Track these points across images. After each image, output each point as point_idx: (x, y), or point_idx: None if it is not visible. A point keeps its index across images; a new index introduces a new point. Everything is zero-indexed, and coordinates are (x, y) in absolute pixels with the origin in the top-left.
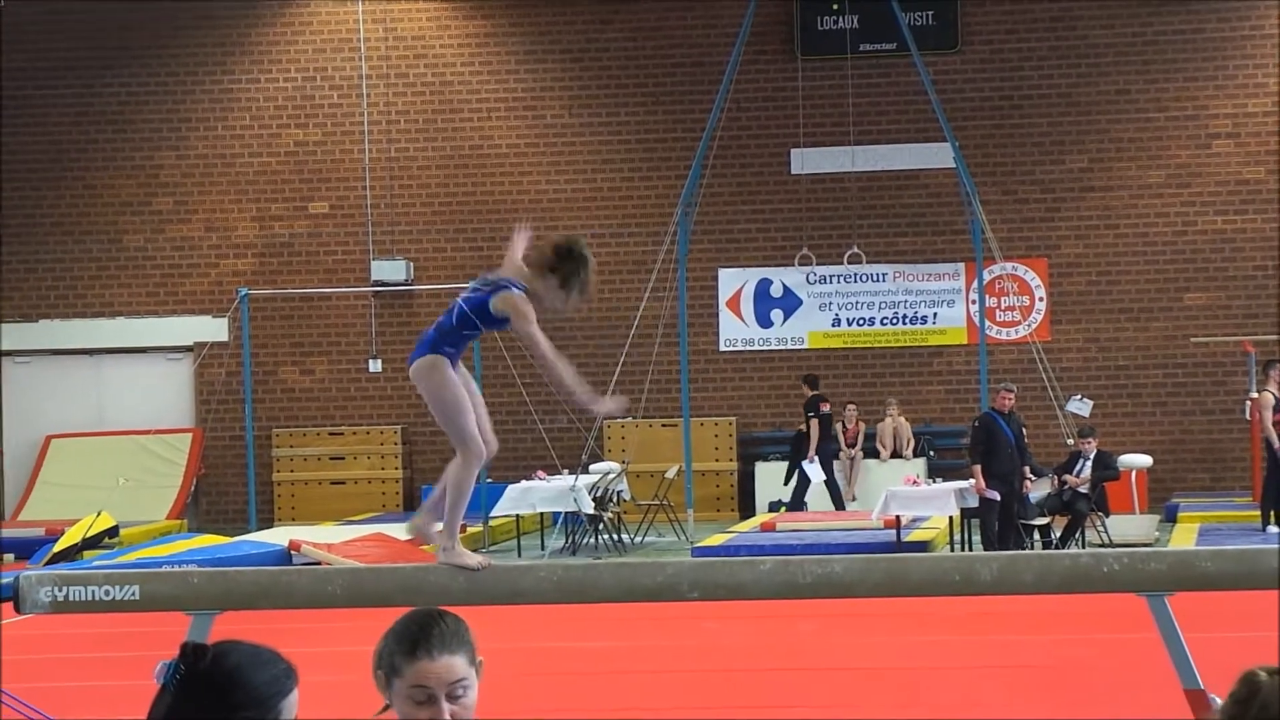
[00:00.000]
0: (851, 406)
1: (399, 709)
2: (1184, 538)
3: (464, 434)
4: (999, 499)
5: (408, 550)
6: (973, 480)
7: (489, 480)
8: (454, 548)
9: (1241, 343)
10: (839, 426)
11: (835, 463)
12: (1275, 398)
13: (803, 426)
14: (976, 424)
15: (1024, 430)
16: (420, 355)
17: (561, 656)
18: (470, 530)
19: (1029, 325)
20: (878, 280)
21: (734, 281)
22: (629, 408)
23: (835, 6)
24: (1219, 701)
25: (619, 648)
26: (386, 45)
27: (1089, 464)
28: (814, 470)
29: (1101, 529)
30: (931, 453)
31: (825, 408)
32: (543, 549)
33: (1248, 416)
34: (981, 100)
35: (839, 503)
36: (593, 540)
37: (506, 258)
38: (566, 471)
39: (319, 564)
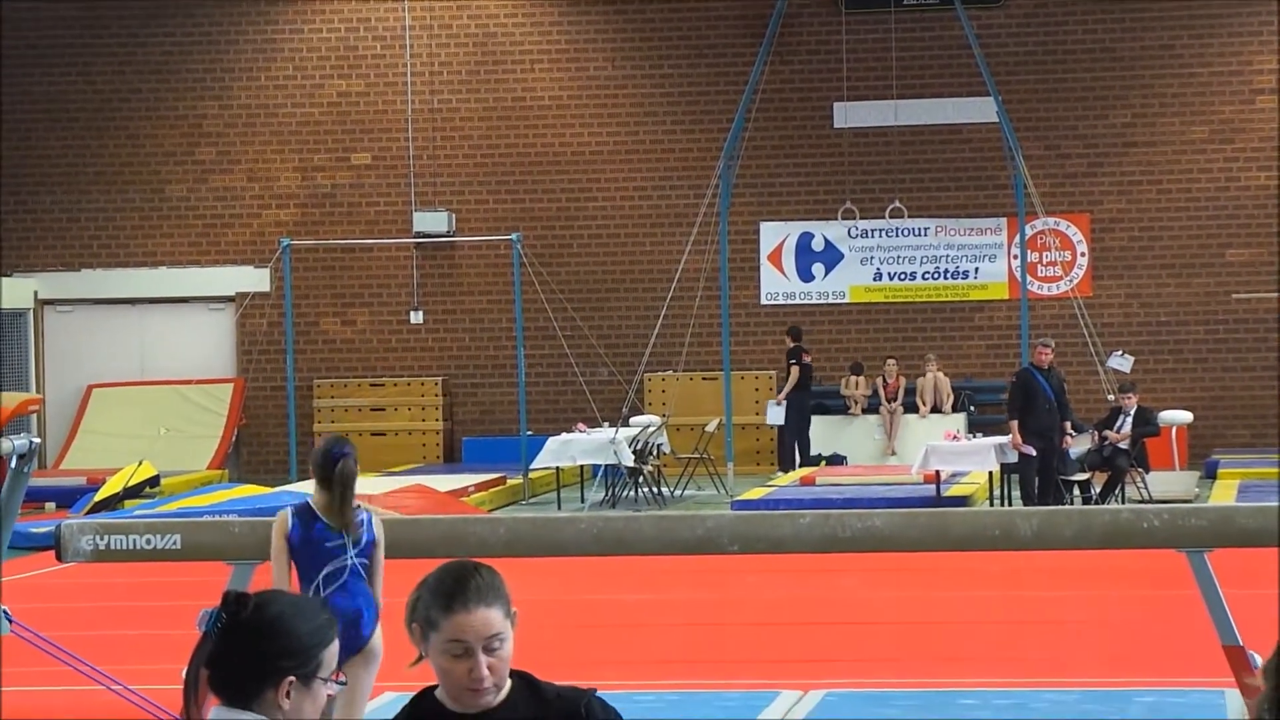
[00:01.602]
0: (892, 361)
1: (435, 662)
2: (1224, 494)
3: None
4: (1035, 454)
5: (448, 502)
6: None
7: (530, 433)
8: None
9: None
10: (879, 381)
11: (872, 417)
12: None
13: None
14: (1015, 379)
15: (1065, 385)
16: (377, 623)
17: (601, 609)
18: (510, 482)
19: (1070, 281)
20: (919, 235)
21: (776, 235)
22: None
23: None
24: (1258, 658)
25: (658, 601)
26: None
27: (1129, 420)
28: (776, 413)
29: (1141, 485)
30: (971, 408)
31: (806, 358)
32: (582, 502)
33: None
34: (1025, 54)
35: (804, 458)
36: (632, 493)
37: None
38: (606, 424)
39: None
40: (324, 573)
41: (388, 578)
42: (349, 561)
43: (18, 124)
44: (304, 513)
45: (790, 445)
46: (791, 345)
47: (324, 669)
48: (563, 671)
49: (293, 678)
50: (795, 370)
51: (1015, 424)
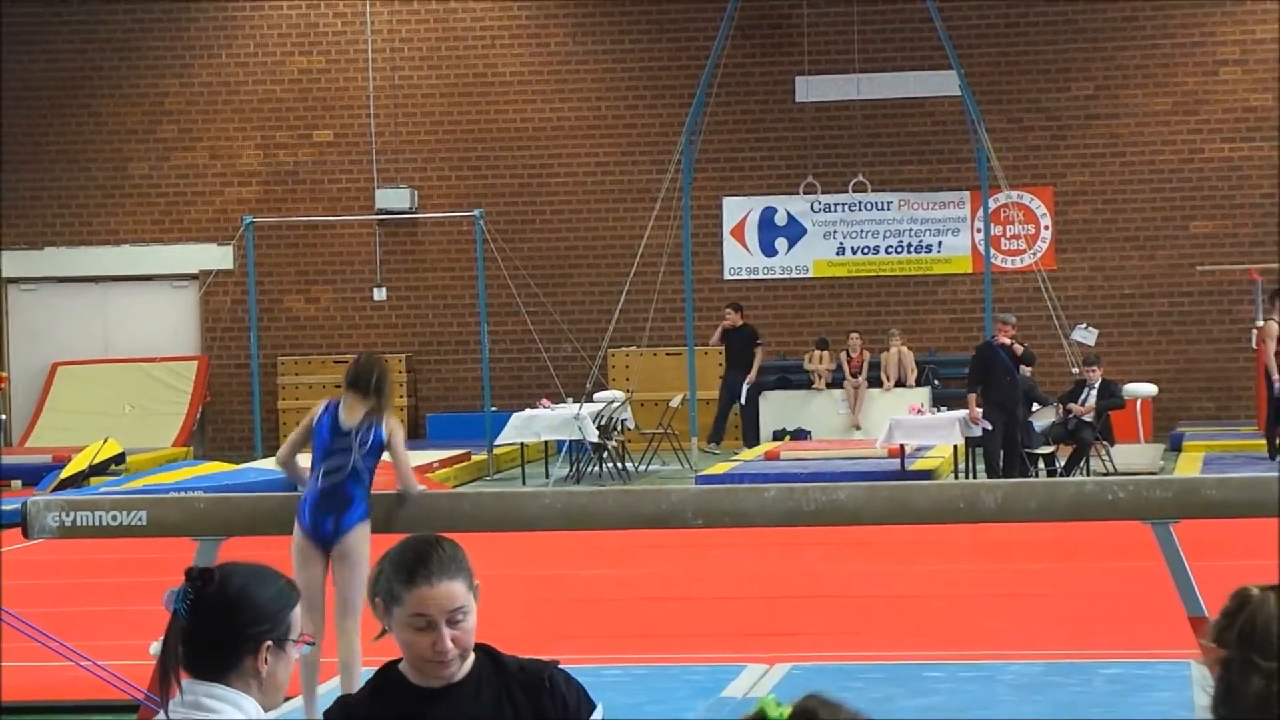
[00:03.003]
0: (856, 335)
1: (399, 636)
2: (1189, 466)
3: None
4: (993, 428)
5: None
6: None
7: (494, 409)
8: None
9: (1248, 271)
10: (843, 356)
11: (837, 391)
12: None
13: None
14: (975, 353)
15: (1025, 347)
16: (363, 517)
17: (566, 584)
18: (475, 458)
19: (1034, 254)
20: (883, 208)
21: (738, 210)
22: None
23: None
24: None
25: (623, 575)
26: None
27: (1094, 393)
28: (745, 394)
29: (1106, 458)
30: (935, 381)
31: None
32: (547, 477)
33: (1253, 345)
34: (987, 27)
35: (755, 438)
36: (597, 468)
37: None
38: (571, 400)
39: None
40: (325, 466)
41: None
42: (351, 460)
43: None
44: (331, 407)
45: (751, 422)
46: (742, 324)
47: (293, 630)
48: (529, 646)
49: (269, 642)
50: (760, 353)
51: (973, 397)
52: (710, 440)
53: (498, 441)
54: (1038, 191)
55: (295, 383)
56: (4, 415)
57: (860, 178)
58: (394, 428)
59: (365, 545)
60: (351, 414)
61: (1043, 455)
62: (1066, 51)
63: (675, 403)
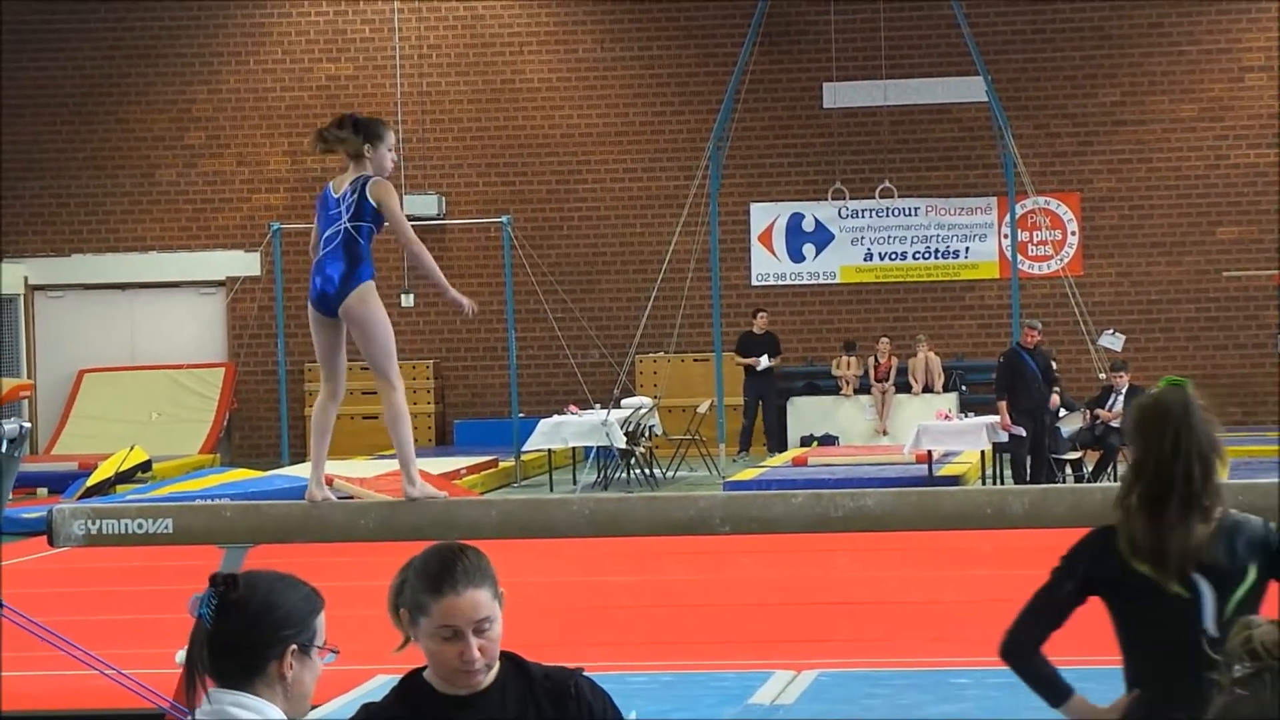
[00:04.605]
0: (885, 340)
1: (426, 646)
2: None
3: (394, 362)
4: (1024, 434)
5: (440, 484)
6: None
7: (521, 415)
8: (419, 482)
9: (1274, 277)
10: (871, 361)
11: (864, 397)
12: None
13: (753, 363)
14: (1002, 359)
15: (1053, 363)
16: (357, 284)
17: (592, 590)
18: (502, 465)
19: (1061, 260)
20: (910, 214)
21: (766, 216)
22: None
23: None
24: None
25: (651, 582)
26: None
27: (1121, 398)
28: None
29: None
30: (963, 387)
31: None
32: (575, 483)
33: (1279, 351)
34: (1014, 34)
35: (782, 443)
36: (624, 475)
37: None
38: (598, 406)
39: (351, 498)
40: (324, 235)
41: (383, 567)
42: (342, 226)
43: (6, 109)
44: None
45: (778, 428)
46: (767, 331)
47: (319, 637)
48: (556, 653)
49: (295, 646)
50: (778, 359)
51: (1004, 404)
52: (740, 449)
53: (525, 448)
54: (1064, 197)
55: None
56: (30, 423)
57: (887, 184)
58: (383, 193)
59: (371, 305)
60: (340, 183)
61: (1070, 461)
62: (1093, 58)
63: (703, 409)
